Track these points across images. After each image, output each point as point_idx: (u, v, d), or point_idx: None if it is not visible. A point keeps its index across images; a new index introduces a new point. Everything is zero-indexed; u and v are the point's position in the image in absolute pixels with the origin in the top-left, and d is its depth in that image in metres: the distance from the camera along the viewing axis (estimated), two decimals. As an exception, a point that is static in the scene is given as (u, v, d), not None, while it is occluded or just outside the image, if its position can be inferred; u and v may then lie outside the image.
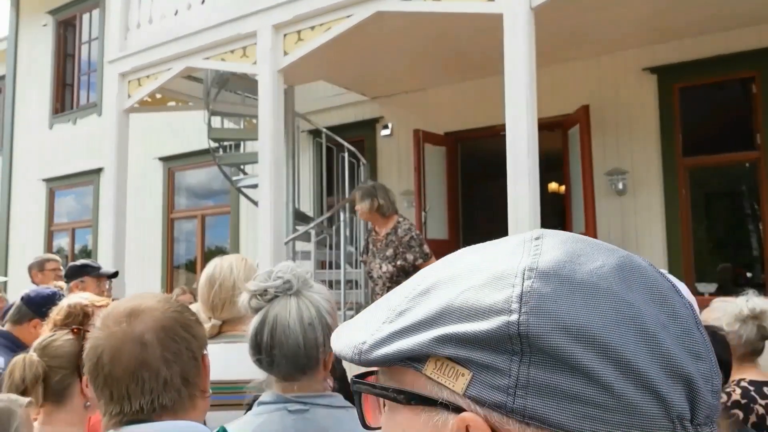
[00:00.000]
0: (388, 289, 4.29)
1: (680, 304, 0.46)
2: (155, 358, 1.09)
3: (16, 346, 2.63)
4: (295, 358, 1.40)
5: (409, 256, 4.43)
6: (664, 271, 0.49)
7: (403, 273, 4.40)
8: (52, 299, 2.59)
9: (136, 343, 1.09)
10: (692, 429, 0.42)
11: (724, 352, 1.82)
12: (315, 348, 1.41)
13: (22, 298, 2.83)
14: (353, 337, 0.51)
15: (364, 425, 0.54)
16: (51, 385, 1.71)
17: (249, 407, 1.51)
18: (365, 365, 0.50)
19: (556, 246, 0.47)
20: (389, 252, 4.49)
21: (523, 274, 0.45)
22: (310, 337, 1.41)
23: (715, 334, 1.86)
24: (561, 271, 0.44)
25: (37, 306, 2.69)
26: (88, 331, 1.81)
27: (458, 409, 0.44)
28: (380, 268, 4.51)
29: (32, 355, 1.74)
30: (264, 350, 1.40)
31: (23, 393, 1.66)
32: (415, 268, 4.37)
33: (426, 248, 4.50)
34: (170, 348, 1.11)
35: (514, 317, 0.43)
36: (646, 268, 0.47)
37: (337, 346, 0.53)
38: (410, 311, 0.48)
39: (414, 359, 0.47)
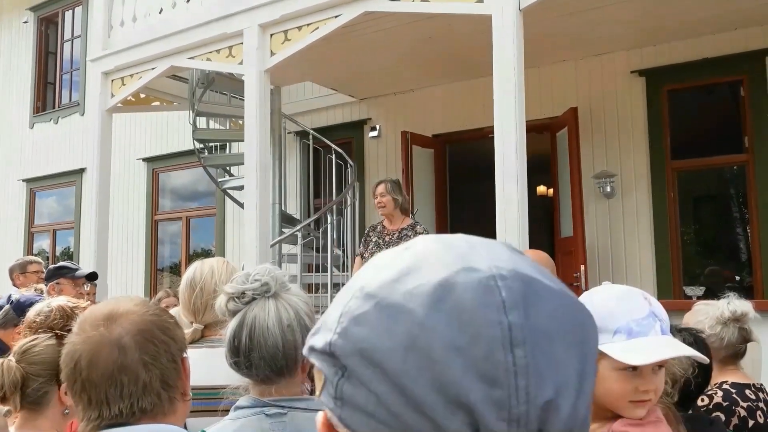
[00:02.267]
0: None
1: (493, 323, 0.43)
2: (134, 362, 1.10)
3: (2, 350, 2.63)
4: (273, 361, 1.41)
5: None
6: (505, 285, 0.46)
7: None
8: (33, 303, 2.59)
9: (114, 347, 1.10)
10: None
11: (704, 354, 1.85)
12: (293, 350, 1.43)
13: (11, 303, 2.82)
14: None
15: None
16: (28, 393, 1.71)
17: (225, 413, 1.52)
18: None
19: (404, 261, 0.49)
20: None
21: (353, 293, 0.48)
22: (288, 338, 1.42)
23: (695, 336, 1.90)
24: (380, 292, 0.47)
25: (25, 312, 2.69)
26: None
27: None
28: None
29: (10, 360, 1.73)
30: (242, 353, 1.40)
31: (1, 399, 1.66)
32: None
33: None
34: (149, 351, 1.12)
35: (329, 336, 0.47)
36: (471, 284, 0.45)
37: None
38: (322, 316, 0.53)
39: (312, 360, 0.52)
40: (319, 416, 0.51)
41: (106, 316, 1.13)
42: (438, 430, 0.43)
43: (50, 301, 2.07)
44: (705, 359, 1.41)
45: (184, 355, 1.22)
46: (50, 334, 1.83)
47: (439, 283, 0.45)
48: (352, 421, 0.46)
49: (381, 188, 4.87)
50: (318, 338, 0.49)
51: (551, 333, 0.45)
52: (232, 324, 1.43)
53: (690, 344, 1.72)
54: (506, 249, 0.50)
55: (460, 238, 0.51)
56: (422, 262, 0.48)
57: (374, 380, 0.44)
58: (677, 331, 1.83)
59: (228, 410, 1.47)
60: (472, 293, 0.45)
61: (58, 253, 10.73)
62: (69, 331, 1.97)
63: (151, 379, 1.11)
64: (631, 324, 1.29)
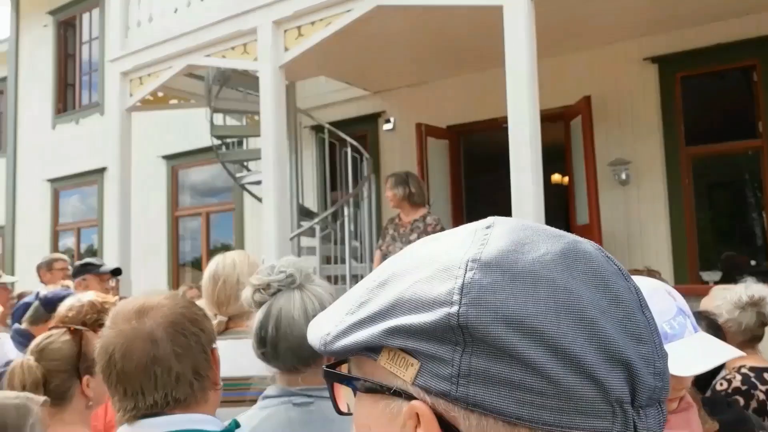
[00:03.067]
0: None
1: (624, 288, 0.46)
2: (166, 354, 1.12)
3: (34, 344, 2.68)
4: (299, 350, 1.42)
5: None
6: (611, 256, 0.49)
7: None
8: (65, 298, 2.63)
9: (147, 339, 1.12)
10: (632, 411, 0.43)
11: (719, 335, 1.84)
12: None
13: (40, 299, 2.86)
14: (321, 327, 0.54)
15: (338, 411, 0.56)
16: (51, 389, 1.72)
17: (253, 403, 1.54)
18: (329, 355, 0.52)
19: (502, 235, 0.48)
20: (413, 237, 4.64)
21: (466, 265, 0.46)
22: None
23: (708, 319, 1.89)
24: (502, 262, 0.46)
25: (54, 307, 2.73)
26: (87, 331, 1.84)
27: (411, 397, 0.46)
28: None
29: (30, 359, 1.74)
30: (269, 343, 1.42)
31: None
32: None
33: None
34: (180, 343, 1.14)
35: (454, 309, 0.44)
36: (590, 253, 0.47)
37: (309, 336, 0.55)
38: (368, 303, 0.50)
39: (370, 349, 0.49)
40: (404, 409, 0.46)
41: (138, 309, 1.15)
42: (600, 388, 0.42)
43: (80, 297, 2.10)
44: (742, 354, 1.37)
45: (214, 345, 1.23)
46: (64, 330, 1.84)
47: (562, 252, 0.46)
48: (488, 397, 0.43)
49: (388, 183, 4.85)
50: (410, 318, 0.46)
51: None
52: (258, 315, 1.45)
53: (704, 328, 1.71)
54: None
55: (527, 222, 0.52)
56: (526, 234, 0.48)
57: (525, 347, 0.42)
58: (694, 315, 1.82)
59: (255, 400, 1.48)
60: (595, 261, 0.47)
61: (82, 251, 10.87)
62: (100, 325, 2.00)
63: (183, 370, 1.13)
64: (665, 327, 1.20)
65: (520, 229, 0.49)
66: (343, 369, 0.54)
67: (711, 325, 1.86)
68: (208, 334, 1.22)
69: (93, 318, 2.02)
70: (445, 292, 0.45)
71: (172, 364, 1.12)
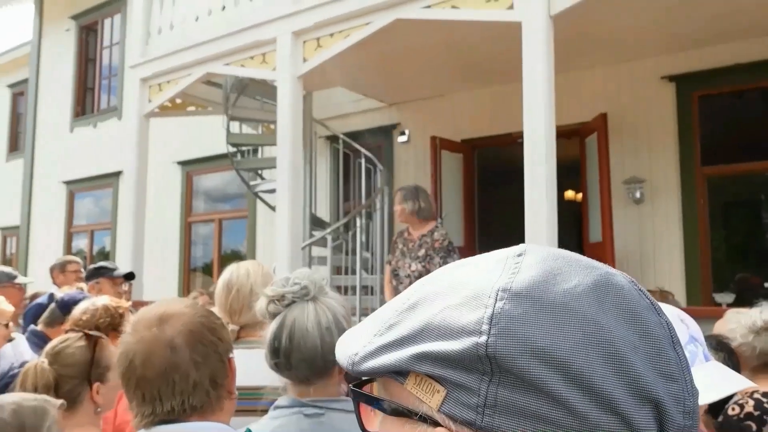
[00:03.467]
0: None
1: (655, 323, 0.46)
2: (185, 361, 1.13)
3: (49, 345, 2.71)
4: (312, 362, 1.43)
5: (436, 260, 4.52)
6: (643, 289, 0.48)
7: (426, 273, 4.46)
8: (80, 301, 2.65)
9: (167, 347, 1.13)
10: None
11: (731, 358, 1.83)
12: (332, 351, 1.45)
13: (56, 302, 2.89)
14: (349, 346, 0.54)
15: (363, 429, 0.56)
16: (62, 393, 1.73)
17: (264, 413, 1.54)
18: (357, 375, 0.52)
19: (534, 264, 0.48)
20: (421, 252, 4.60)
21: (497, 294, 0.46)
22: (327, 341, 1.44)
23: (721, 343, 1.88)
24: (533, 292, 0.45)
25: (70, 310, 2.75)
26: (102, 338, 1.86)
27: (437, 424, 0.46)
28: (409, 266, 4.62)
29: (44, 362, 1.76)
30: (282, 354, 1.43)
31: None
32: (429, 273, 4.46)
33: (452, 259, 4.56)
34: (199, 351, 1.15)
35: (483, 339, 0.44)
36: (623, 287, 0.47)
37: (337, 354, 0.55)
38: (397, 326, 0.50)
39: (397, 373, 0.49)
40: None
41: (159, 317, 1.16)
42: (627, 426, 0.42)
43: (94, 301, 2.12)
44: (752, 384, 1.35)
45: (231, 355, 1.25)
46: (80, 335, 1.85)
47: (593, 284, 0.46)
48: (513, 429, 0.43)
49: (397, 197, 4.74)
50: (437, 345, 0.46)
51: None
52: (272, 326, 1.46)
53: (717, 350, 1.70)
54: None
55: (554, 249, 0.52)
56: (558, 265, 0.48)
57: (552, 380, 0.42)
58: (705, 339, 1.81)
59: (267, 410, 1.49)
60: (627, 294, 0.46)
61: (95, 253, 10.95)
62: (114, 329, 2.01)
63: (201, 378, 1.14)
64: None
65: (552, 258, 0.48)
66: (371, 388, 0.54)
67: (723, 348, 1.85)
68: (225, 344, 1.23)
69: (106, 322, 2.04)
70: (475, 321, 0.45)
71: (191, 371, 1.13)
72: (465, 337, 0.45)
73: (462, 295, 0.48)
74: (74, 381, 1.76)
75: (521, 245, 0.52)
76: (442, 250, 4.58)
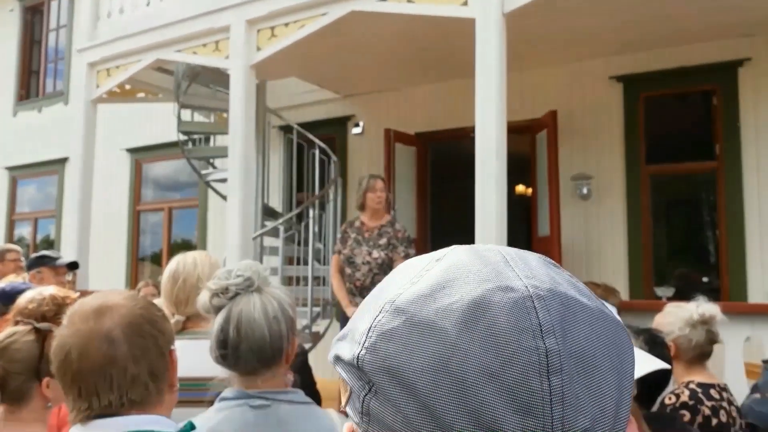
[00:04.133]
0: (375, 274, 4.66)
1: (527, 349, 0.41)
2: (123, 355, 1.10)
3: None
4: (261, 352, 1.43)
5: (400, 249, 4.71)
6: (540, 306, 0.43)
7: (390, 261, 4.72)
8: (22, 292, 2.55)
9: (104, 340, 1.10)
10: None
11: (664, 351, 1.90)
12: (280, 340, 1.46)
13: None
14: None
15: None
16: (10, 390, 1.69)
17: (211, 404, 1.53)
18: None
19: (435, 274, 0.46)
20: (383, 241, 4.74)
21: (383, 306, 0.46)
22: (275, 329, 1.44)
23: (654, 336, 1.94)
24: (410, 307, 0.44)
25: (13, 301, 2.65)
26: (50, 332, 1.80)
27: None
28: (369, 254, 4.72)
29: None
30: (230, 345, 1.42)
31: None
32: (392, 262, 4.70)
33: (412, 250, 4.80)
34: (137, 344, 1.12)
35: (356, 350, 0.45)
36: (503, 306, 0.43)
37: None
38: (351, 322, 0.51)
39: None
40: (346, 428, 0.48)
41: (96, 309, 1.13)
42: None
43: (41, 290, 2.06)
44: (667, 366, 1.44)
45: (172, 347, 1.22)
46: (29, 328, 1.79)
47: (473, 302, 0.43)
48: None
49: (381, 184, 4.91)
50: (344, 348, 0.47)
51: (589, 359, 0.42)
52: (218, 319, 1.45)
53: (649, 344, 1.77)
54: (543, 263, 0.47)
55: (494, 250, 0.48)
56: (455, 276, 0.45)
57: (402, 400, 0.42)
58: (637, 334, 1.88)
59: (213, 401, 1.48)
60: (507, 315, 0.42)
61: (38, 241, 10.60)
62: (59, 320, 1.95)
63: (139, 372, 1.11)
64: None
65: (459, 266, 0.46)
66: None
67: (655, 340, 1.92)
68: (166, 336, 1.21)
69: (53, 311, 1.98)
70: (362, 331, 0.46)
71: (129, 365, 1.11)
72: (354, 345, 0.46)
73: (374, 302, 0.48)
74: (22, 377, 1.70)
75: (450, 248, 0.50)
76: (405, 241, 4.78)
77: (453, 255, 0.48)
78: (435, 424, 0.41)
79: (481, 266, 0.46)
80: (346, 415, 0.48)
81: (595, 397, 0.42)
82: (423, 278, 0.46)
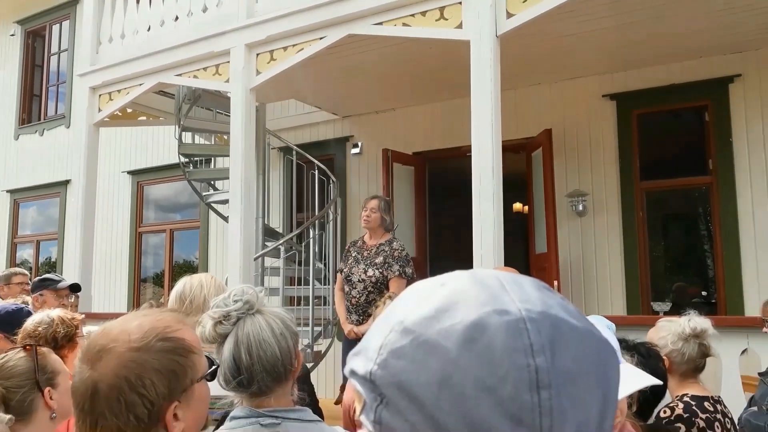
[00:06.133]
0: (369, 292, 4.70)
1: (519, 367, 0.46)
2: (100, 408, 1.10)
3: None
4: (273, 370, 1.46)
5: (395, 268, 4.72)
6: (532, 327, 0.48)
7: (384, 280, 4.74)
8: (17, 315, 2.57)
9: (89, 388, 1.11)
10: None
11: (659, 364, 1.95)
12: (289, 355, 1.49)
13: None
14: None
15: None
16: (13, 405, 1.71)
17: (220, 423, 1.56)
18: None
19: (440, 298, 0.51)
20: (379, 259, 4.77)
21: (393, 326, 0.51)
22: (284, 346, 1.48)
23: (649, 350, 1.99)
24: (416, 328, 0.49)
25: (2, 322, 2.68)
26: (40, 347, 1.84)
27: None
28: (365, 272, 4.76)
29: None
30: (245, 369, 1.45)
31: None
32: (387, 280, 4.73)
33: (410, 269, 4.81)
34: (113, 408, 1.10)
35: (369, 366, 0.50)
36: (498, 329, 0.47)
37: None
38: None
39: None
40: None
41: (99, 351, 1.13)
42: None
43: (48, 312, 2.09)
44: (659, 382, 1.48)
45: (172, 403, 1.14)
46: (18, 349, 1.83)
47: (472, 323, 0.47)
48: None
49: (373, 203, 4.92)
50: (359, 363, 0.52)
51: (575, 375, 0.47)
52: (227, 346, 1.47)
53: (644, 357, 1.82)
54: (536, 288, 0.52)
55: (492, 276, 0.53)
56: (457, 300, 0.50)
57: (410, 411, 0.46)
58: (633, 347, 1.93)
59: (218, 420, 1.51)
60: (502, 336, 0.47)
61: (41, 264, 10.63)
62: (69, 340, 2.00)
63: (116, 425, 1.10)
64: None
65: (460, 291, 0.51)
66: None
67: (650, 354, 1.96)
68: (152, 396, 1.12)
69: (62, 333, 2.02)
70: (375, 348, 0.51)
71: (107, 416, 1.10)
72: (367, 362, 0.51)
73: (388, 320, 0.52)
74: (22, 390, 1.73)
75: (452, 274, 0.55)
76: (401, 259, 4.78)
77: (455, 280, 0.53)
78: (437, 430, 0.45)
79: (480, 291, 0.50)
80: (354, 429, 0.54)
81: (580, 409, 0.46)
82: (428, 301, 0.51)
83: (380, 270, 4.73)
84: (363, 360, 0.51)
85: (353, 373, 0.52)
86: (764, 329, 2.67)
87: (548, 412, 0.45)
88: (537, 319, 0.48)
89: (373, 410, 0.49)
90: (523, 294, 0.50)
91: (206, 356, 1.23)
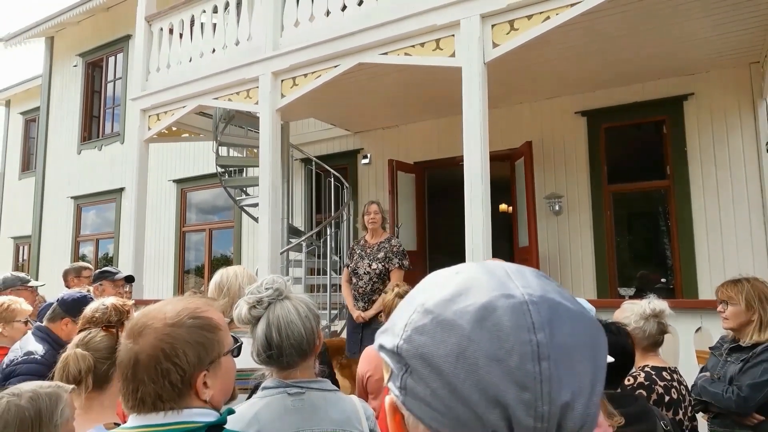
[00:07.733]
0: (374, 283, 4.71)
1: (523, 341, 0.46)
2: (140, 374, 1.11)
3: (51, 339, 2.66)
4: (300, 347, 1.47)
5: (395, 261, 4.73)
6: (533, 308, 0.48)
7: (386, 272, 4.74)
8: (82, 302, 2.60)
9: (132, 359, 1.13)
10: None
11: (627, 340, 1.95)
12: (312, 334, 1.50)
13: (58, 300, 2.84)
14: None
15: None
16: (98, 374, 1.73)
17: (253, 391, 1.58)
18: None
19: (456, 284, 0.51)
20: (381, 255, 4.78)
21: (416, 307, 0.51)
22: (308, 326, 1.49)
23: (619, 328, 1.99)
24: (435, 309, 0.49)
25: (68, 307, 2.70)
26: (118, 328, 1.87)
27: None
28: (369, 266, 4.76)
29: (78, 350, 1.75)
30: (275, 346, 1.46)
31: (77, 383, 1.67)
32: (388, 272, 4.74)
33: (407, 261, 4.80)
34: (150, 374, 1.11)
35: (396, 340, 0.50)
36: (506, 309, 0.48)
37: None
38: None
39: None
40: (388, 400, 0.53)
41: (140, 328, 1.14)
42: (479, 420, 0.45)
43: (103, 300, 2.10)
44: (611, 359, 1.47)
45: (203, 371, 1.15)
46: (99, 329, 1.85)
47: (483, 305, 0.48)
48: (413, 407, 0.48)
49: (375, 207, 4.94)
50: (387, 339, 0.52)
51: (570, 349, 0.47)
52: (260, 327, 1.49)
53: (614, 334, 1.82)
54: (536, 276, 0.52)
55: (499, 266, 0.53)
56: (470, 286, 0.50)
57: (431, 378, 0.47)
58: (605, 326, 1.93)
59: (253, 388, 1.53)
60: (508, 315, 0.47)
61: (99, 258, 10.69)
62: (122, 324, 2.01)
63: (154, 389, 1.12)
64: None
65: (473, 278, 0.51)
66: None
67: (620, 331, 1.97)
68: (184, 365, 1.13)
69: (116, 317, 2.03)
70: (400, 326, 0.51)
71: (146, 382, 1.11)
72: (394, 337, 0.51)
73: (411, 303, 0.53)
74: (107, 362, 1.74)
75: (466, 264, 0.55)
76: (400, 254, 4.78)
77: (468, 270, 0.53)
78: (455, 396, 0.46)
79: (489, 279, 0.50)
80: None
81: (574, 377, 0.47)
82: (446, 287, 0.51)
83: (382, 263, 4.74)
84: (390, 336, 0.52)
85: (382, 347, 0.53)
86: (718, 309, 2.67)
87: (547, 380, 0.45)
88: (537, 302, 0.48)
89: (400, 378, 0.49)
90: (525, 281, 0.50)
91: (232, 335, 1.24)
